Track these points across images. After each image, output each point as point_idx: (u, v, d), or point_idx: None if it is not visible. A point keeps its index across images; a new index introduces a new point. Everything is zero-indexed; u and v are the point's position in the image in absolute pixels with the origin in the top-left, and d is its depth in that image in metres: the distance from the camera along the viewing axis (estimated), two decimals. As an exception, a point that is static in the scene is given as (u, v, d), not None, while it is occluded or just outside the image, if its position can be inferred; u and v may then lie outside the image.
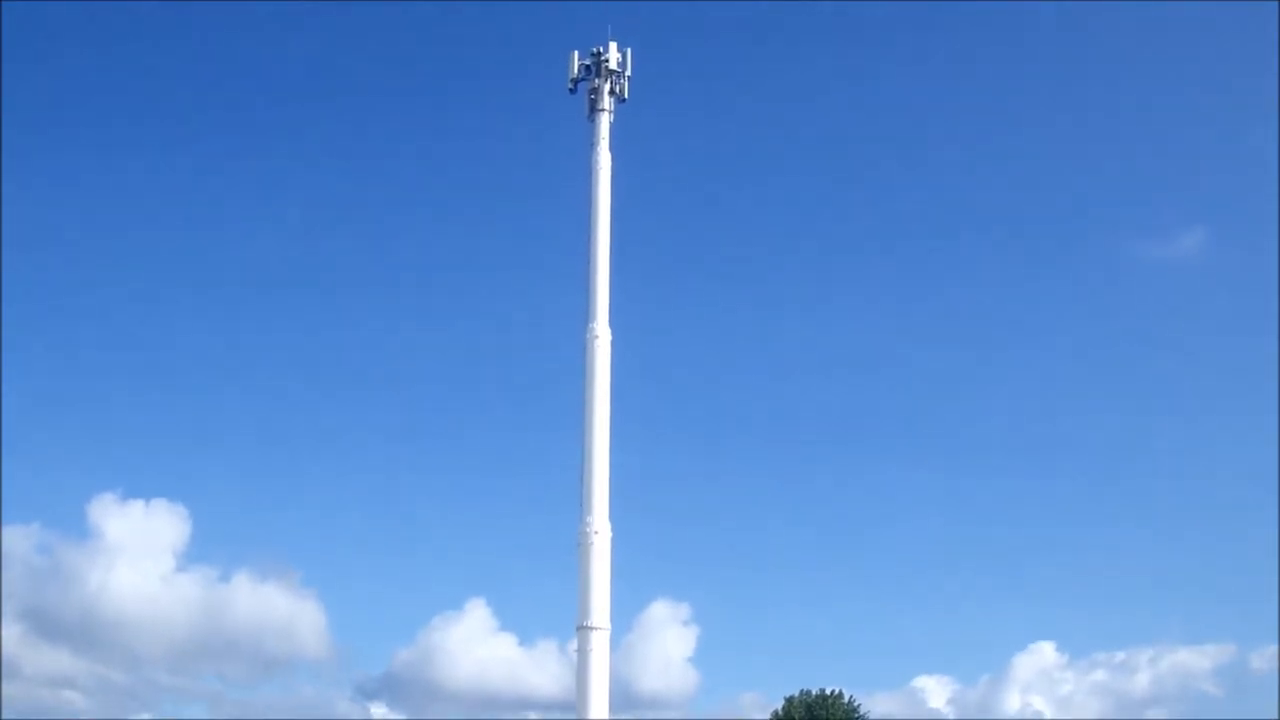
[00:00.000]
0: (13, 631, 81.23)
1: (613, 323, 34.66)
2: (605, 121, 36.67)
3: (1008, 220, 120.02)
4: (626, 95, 37.09)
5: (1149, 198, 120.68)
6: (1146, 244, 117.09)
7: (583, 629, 32.28)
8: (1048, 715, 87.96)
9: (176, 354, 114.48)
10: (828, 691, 78.77)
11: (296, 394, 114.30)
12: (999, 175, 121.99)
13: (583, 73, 37.22)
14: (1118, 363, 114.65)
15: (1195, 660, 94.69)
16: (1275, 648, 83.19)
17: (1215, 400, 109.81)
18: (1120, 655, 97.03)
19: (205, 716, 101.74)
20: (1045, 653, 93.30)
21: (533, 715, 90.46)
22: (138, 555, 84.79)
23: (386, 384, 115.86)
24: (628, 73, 37.02)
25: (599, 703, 31.92)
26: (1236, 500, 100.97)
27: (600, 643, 32.20)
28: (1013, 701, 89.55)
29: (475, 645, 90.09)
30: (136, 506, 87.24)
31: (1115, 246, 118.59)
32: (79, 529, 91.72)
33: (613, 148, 36.53)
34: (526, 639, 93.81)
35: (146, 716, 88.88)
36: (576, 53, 37.41)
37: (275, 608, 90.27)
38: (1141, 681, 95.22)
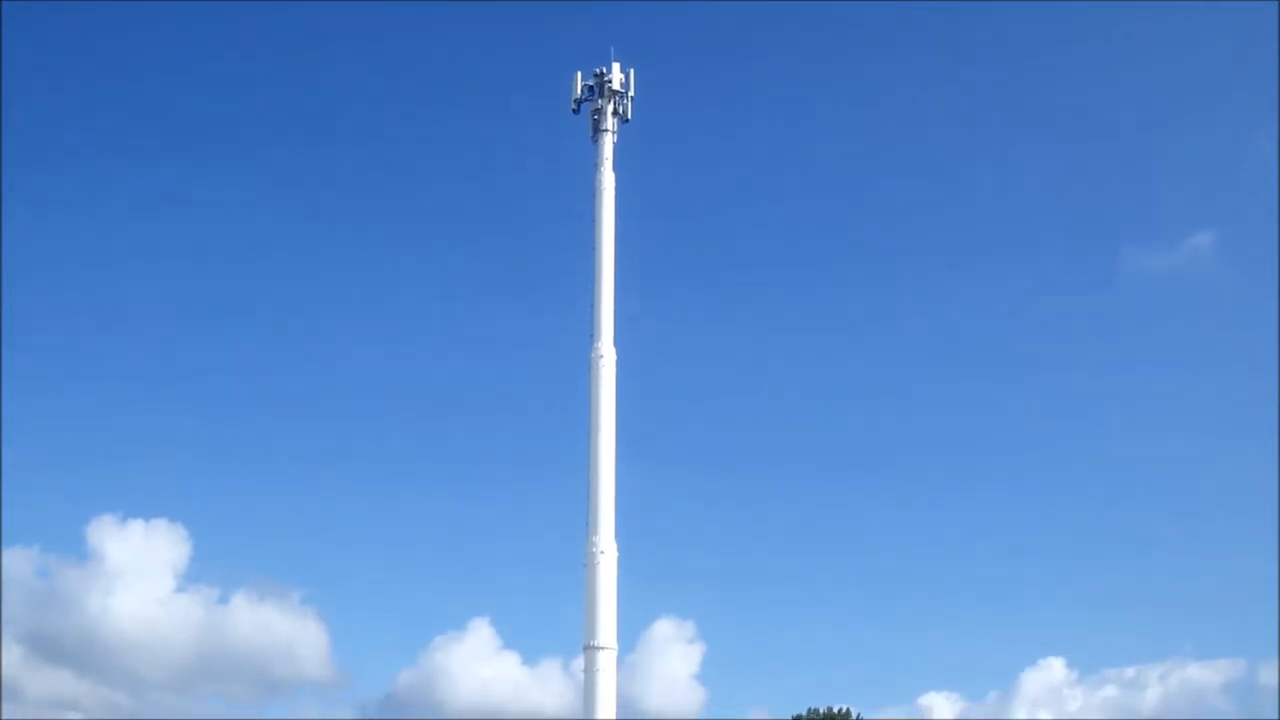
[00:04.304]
0: (13, 654, 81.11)
1: (617, 343, 34.81)
2: (609, 142, 36.88)
3: (1006, 231, 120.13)
4: (630, 115, 37.35)
5: (1150, 203, 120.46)
6: (1148, 251, 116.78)
7: (589, 649, 32.31)
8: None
9: (175, 373, 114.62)
10: (835, 709, 78.61)
11: (297, 413, 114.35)
12: (996, 183, 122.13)
13: (586, 93, 37.44)
14: (1122, 376, 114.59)
15: (1206, 676, 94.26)
16: (1277, 661, 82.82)
17: (1222, 412, 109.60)
18: (1130, 671, 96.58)
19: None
20: (1054, 669, 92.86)
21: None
22: (138, 576, 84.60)
23: (388, 403, 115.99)
24: (631, 93, 37.26)
25: (606, 722, 31.97)
26: (1245, 513, 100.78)
27: (607, 662, 32.24)
28: (1021, 718, 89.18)
29: (478, 665, 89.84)
30: (136, 527, 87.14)
31: (1115, 254, 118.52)
32: (78, 550, 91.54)
33: (616, 168, 36.75)
34: (530, 658, 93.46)
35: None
36: (580, 73, 37.66)
37: (277, 628, 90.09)
38: (1152, 697, 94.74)
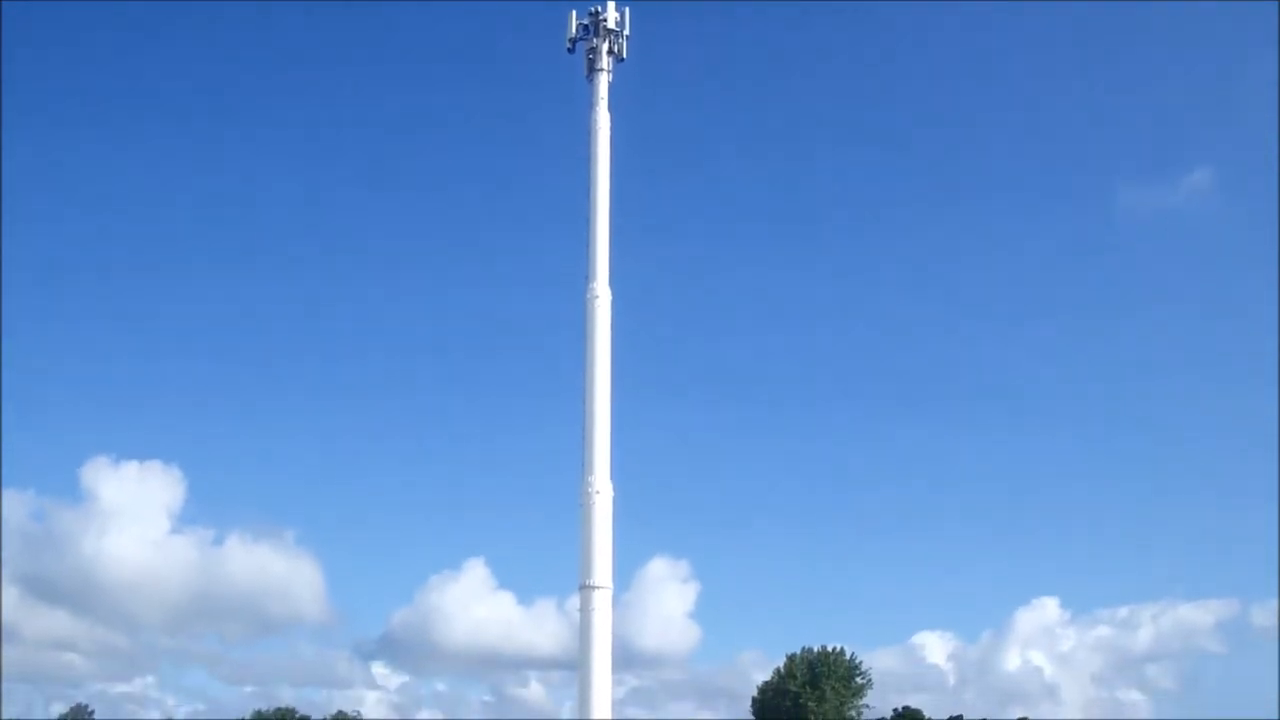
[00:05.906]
0: (10, 595, 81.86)
1: (612, 282, 34.75)
2: (604, 81, 36.65)
3: (997, 168, 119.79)
4: (625, 55, 37.04)
5: (1148, 141, 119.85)
6: (1147, 189, 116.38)
7: (585, 588, 32.55)
8: (1047, 671, 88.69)
9: (168, 318, 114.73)
10: (829, 649, 79.22)
11: (292, 355, 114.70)
12: (995, 119, 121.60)
13: (581, 32, 37.15)
14: (1119, 314, 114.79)
15: (1198, 616, 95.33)
16: (1276, 602, 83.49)
17: (1219, 352, 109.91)
18: (1123, 611, 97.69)
19: (205, 677, 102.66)
20: (1048, 608, 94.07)
21: (532, 673, 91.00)
22: (133, 518, 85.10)
23: (383, 344, 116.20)
24: (626, 32, 36.96)
25: (602, 661, 32.26)
26: (1240, 456, 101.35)
27: (603, 601, 32.52)
28: (1013, 657, 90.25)
29: (474, 604, 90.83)
30: (131, 469, 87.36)
31: (1114, 192, 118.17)
32: (73, 493, 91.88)
33: (611, 107, 36.51)
34: (525, 597, 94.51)
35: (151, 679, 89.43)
36: (575, 12, 37.34)
37: (272, 569, 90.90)
38: (1144, 637, 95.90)
